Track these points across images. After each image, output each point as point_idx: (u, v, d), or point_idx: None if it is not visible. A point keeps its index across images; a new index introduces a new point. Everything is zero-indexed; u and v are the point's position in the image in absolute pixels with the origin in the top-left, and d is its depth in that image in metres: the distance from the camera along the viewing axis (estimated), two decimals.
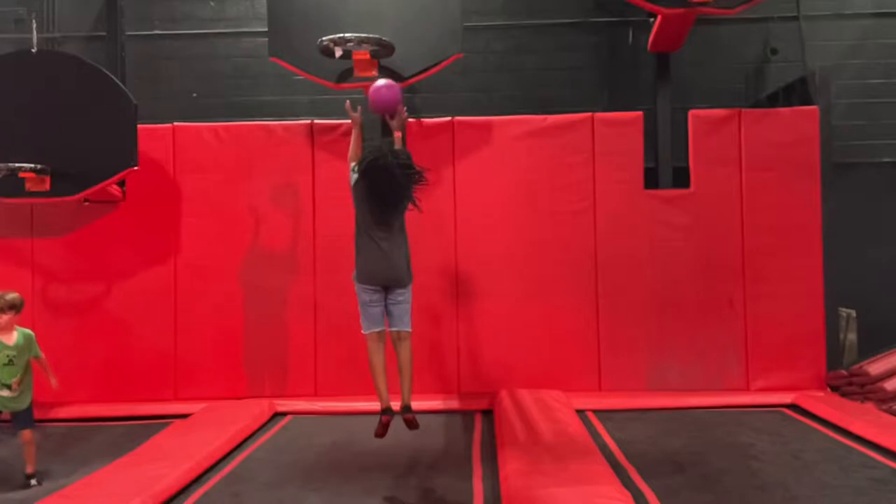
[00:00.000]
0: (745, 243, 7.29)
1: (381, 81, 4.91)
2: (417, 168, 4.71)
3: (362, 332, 4.58)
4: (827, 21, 8.40)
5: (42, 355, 5.50)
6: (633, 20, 8.30)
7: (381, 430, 4.74)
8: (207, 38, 8.74)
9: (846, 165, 7.85)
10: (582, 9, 8.60)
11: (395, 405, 4.86)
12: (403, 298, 4.68)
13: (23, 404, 5.35)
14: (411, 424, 4.81)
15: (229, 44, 8.73)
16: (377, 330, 4.54)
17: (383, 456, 5.51)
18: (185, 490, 4.85)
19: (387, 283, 4.60)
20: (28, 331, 5.49)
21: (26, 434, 5.37)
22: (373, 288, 4.58)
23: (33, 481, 5.32)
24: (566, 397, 6.86)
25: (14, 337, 5.33)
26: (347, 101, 5.08)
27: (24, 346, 5.36)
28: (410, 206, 4.83)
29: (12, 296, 5.38)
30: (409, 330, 4.69)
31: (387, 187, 4.61)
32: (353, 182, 4.84)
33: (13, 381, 5.24)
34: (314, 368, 7.38)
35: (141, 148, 6.93)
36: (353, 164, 4.90)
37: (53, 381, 5.46)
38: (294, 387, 7.35)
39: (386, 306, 4.63)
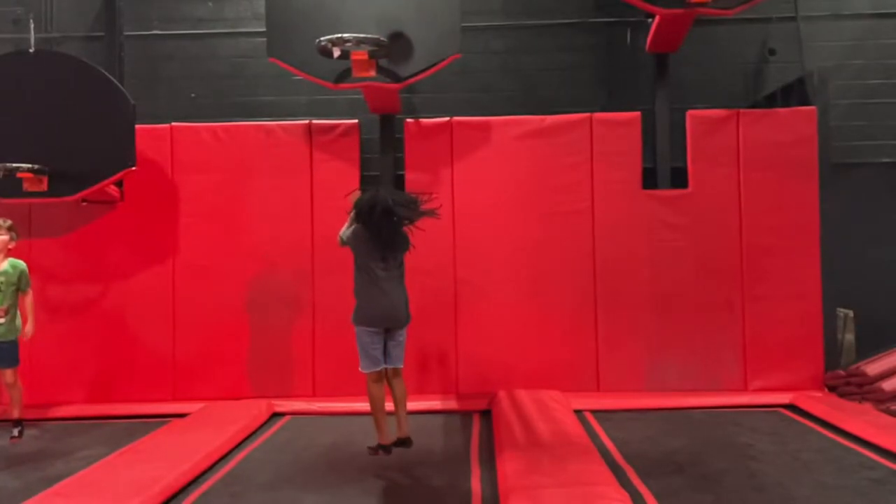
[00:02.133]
0: (743, 243, 7.30)
1: None
2: (420, 203, 4.73)
3: (361, 370, 4.60)
4: (825, 22, 8.39)
5: (30, 293, 5.58)
6: (631, 20, 8.29)
7: (374, 455, 4.74)
8: (206, 38, 8.73)
9: (844, 166, 7.84)
10: (581, 9, 8.59)
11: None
12: (402, 338, 4.73)
13: (8, 336, 5.39)
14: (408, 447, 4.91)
15: (228, 44, 8.72)
16: (378, 369, 4.58)
17: (381, 457, 5.50)
18: (182, 490, 4.84)
19: (389, 324, 4.62)
20: (20, 262, 5.60)
21: (9, 374, 5.38)
22: (375, 330, 4.60)
23: (15, 431, 5.29)
24: (564, 398, 6.86)
25: (3, 265, 5.43)
26: (350, 194, 5.07)
27: (13, 275, 5.44)
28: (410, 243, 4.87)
29: (9, 222, 5.53)
30: (402, 366, 4.72)
31: (387, 227, 4.63)
32: (348, 233, 4.81)
33: (0, 308, 5.31)
34: (312, 369, 7.38)
35: (139, 148, 6.94)
36: (343, 233, 4.86)
37: (28, 327, 5.52)
38: (292, 387, 7.35)
39: (385, 346, 4.64)
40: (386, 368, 4.59)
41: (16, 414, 5.42)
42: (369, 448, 4.58)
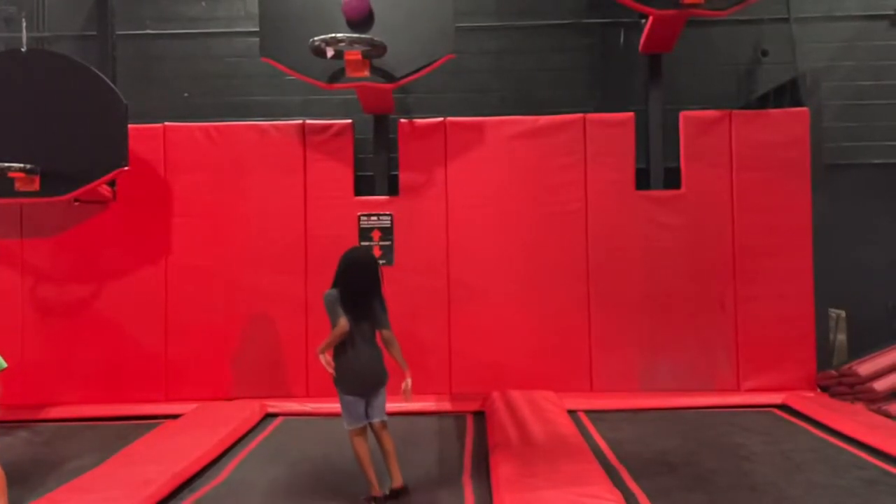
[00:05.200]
0: (735, 244, 7.32)
1: None
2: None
3: (345, 427, 4.63)
4: (817, 23, 8.43)
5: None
6: (625, 21, 8.30)
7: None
8: (199, 37, 8.70)
9: (836, 167, 7.87)
10: (574, 10, 8.61)
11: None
12: (382, 394, 4.75)
13: None
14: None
15: (221, 43, 8.69)
16: (361, 425, 4.63)
17: (374, 460, 5.48)
18: (175, 493, 4.82)
19: (369, 388, 4.67)
20: None
21: None
22: (356, 395, 4.66)
23: None
24: (558, 398, 6.87)
25: None
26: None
27: None
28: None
29: None
30: (387, 418, 4.75)
31: (362, 284, 4.67)
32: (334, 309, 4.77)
33: None
34: (306, 369, 7.36)
35: (132, 148, 6.90)
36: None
37: None
38: (286, 387, 7.33)
39: (367, 402, 4.69)
40: (371, 423, 4.64)
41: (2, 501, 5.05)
42: (363, 499, 4.61)
